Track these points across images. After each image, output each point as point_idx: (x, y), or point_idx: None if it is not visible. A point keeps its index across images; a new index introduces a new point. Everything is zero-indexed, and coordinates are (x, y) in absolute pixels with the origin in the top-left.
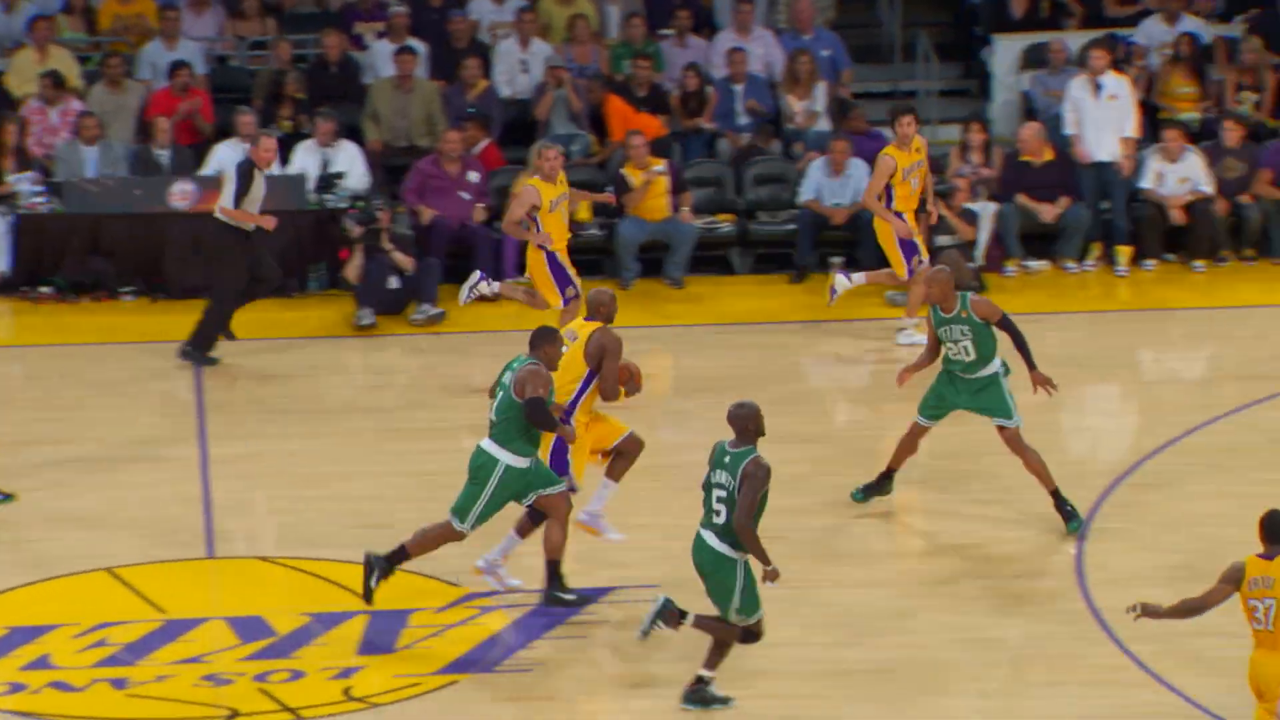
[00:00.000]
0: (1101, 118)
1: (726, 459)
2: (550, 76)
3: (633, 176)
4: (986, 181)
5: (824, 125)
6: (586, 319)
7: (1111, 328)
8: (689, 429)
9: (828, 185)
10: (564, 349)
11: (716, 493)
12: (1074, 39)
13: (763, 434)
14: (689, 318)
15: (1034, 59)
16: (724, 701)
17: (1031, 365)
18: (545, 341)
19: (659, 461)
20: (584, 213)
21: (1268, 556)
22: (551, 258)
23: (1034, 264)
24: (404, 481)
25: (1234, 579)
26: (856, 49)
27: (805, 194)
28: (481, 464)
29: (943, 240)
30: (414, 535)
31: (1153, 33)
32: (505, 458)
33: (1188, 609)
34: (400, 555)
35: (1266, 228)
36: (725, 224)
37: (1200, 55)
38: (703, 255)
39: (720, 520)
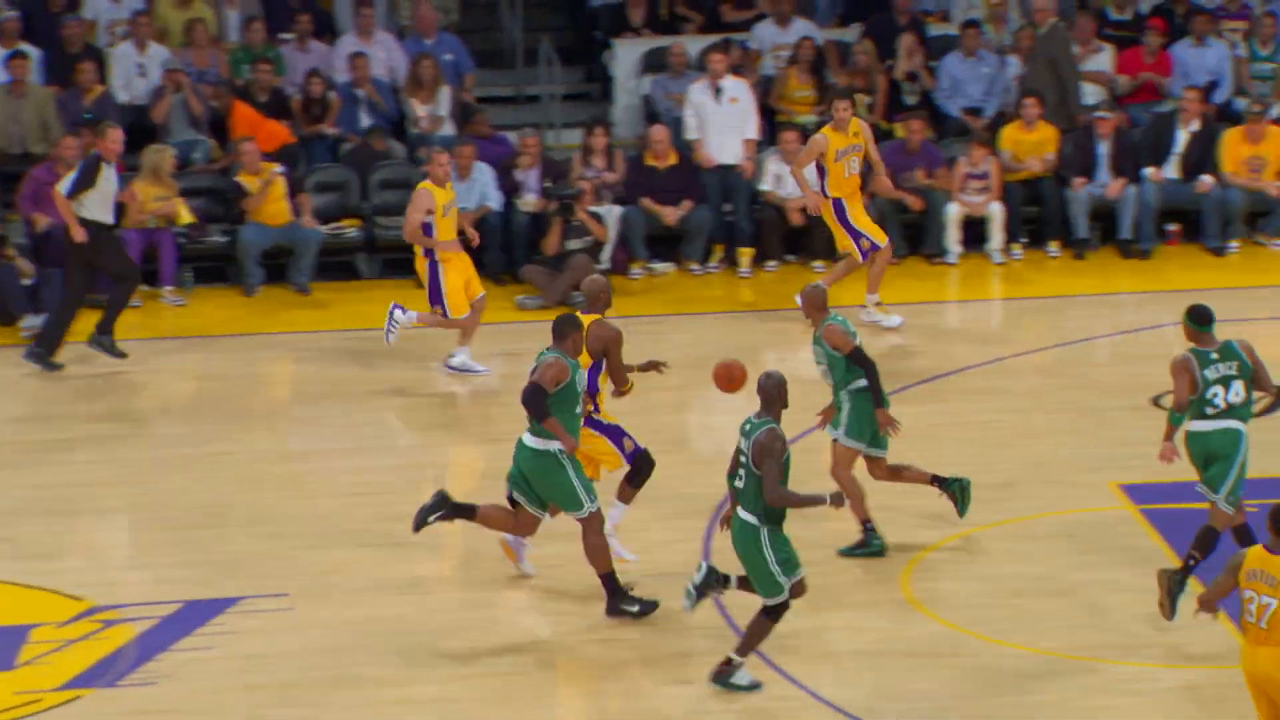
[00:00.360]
0: (723, 121)
1: (747, 427)
2: (168, 80)
3: (248, 182)
4: (611, 185)
5: (448, 130)
6: (585, 311)
7: (736, 328)
8: (318, 436)
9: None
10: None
11: (740, 458)
12: (693, 43)
13: (786, 405)
14: (315, 324)
15: (654, 63)
16: (750, 688)
17: (879, 403)
18: (570, 329)
19: (294, 469)
20: (186, 216)
21: (1273, 550)
22: (431, 266)
23: (659, 266)
24: (25, 494)
25: (1234, 568)
26: (479, 53)
27: None
28: (544, 465)
29: (573, 244)
30: (586, 553)
31: (765, 36)
32: (554, 446)
33: (1202, 599)
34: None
35: (883, 227)
36: (351, 229)
37: (816, 59)
38: (329, 261)
39: (740, 485)
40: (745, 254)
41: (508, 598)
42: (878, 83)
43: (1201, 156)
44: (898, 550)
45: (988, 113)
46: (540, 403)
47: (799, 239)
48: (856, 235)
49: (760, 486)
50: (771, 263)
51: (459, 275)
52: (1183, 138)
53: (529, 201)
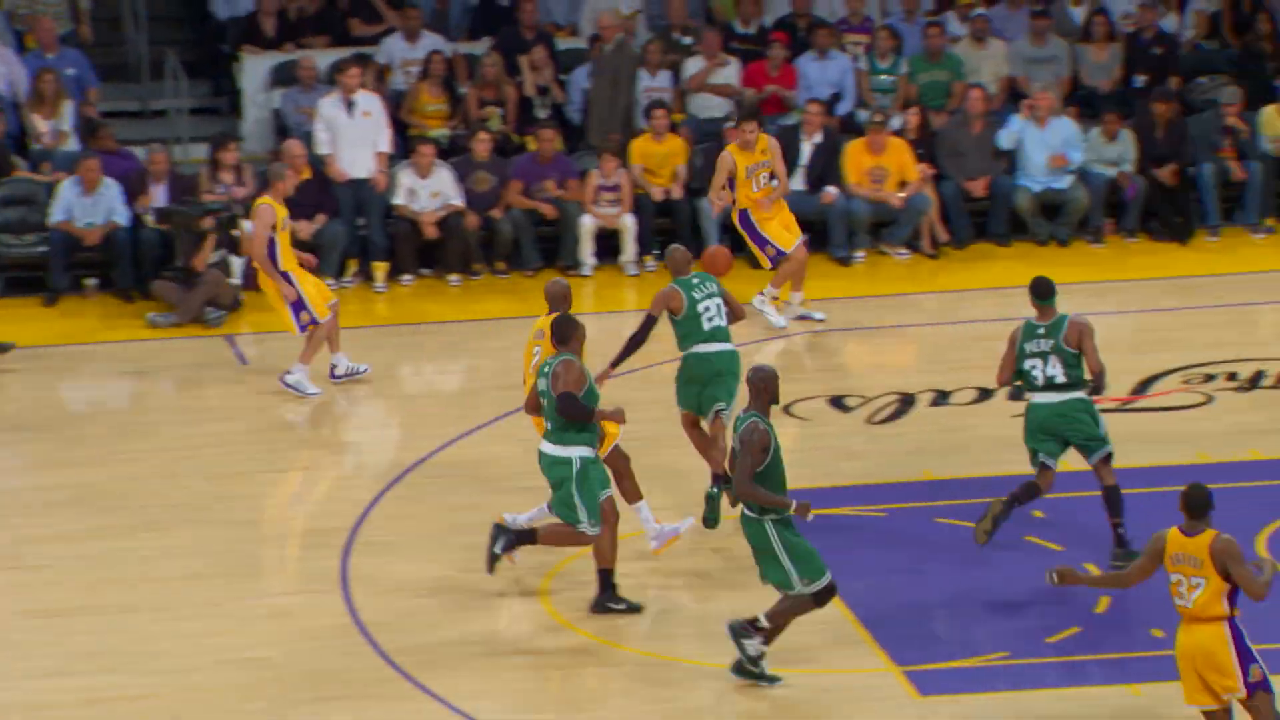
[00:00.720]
0: (355, 135)
1: (738, 424)
2: None
3: None
4: (241, 200)
5: (73, 145)
6: (550, 313)
7: (372, 342)
8: None
9: (79, 205)
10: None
11: (732, 456)
12: (322, 57)
13: (776, 401)
14: None
15: (284, 77)
16: (771, 680)
17: (614, 363)
18: (571, 330)
19: None
20: None
21: (1188, 533)
22: (286, 277)
23: None
24: None
25: (1155, 553)
26: (103, 67)
27: (56, 215)
28: (559, 472)
29: (214, 258)
30: (546, 526)
31: (395, 51)
32: (575, 453)
33: (1114, 581)
34: (528, 537)
35: (517, 239)
36: None
37: (447, 73)
38: None
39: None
40: (380, 268)
41: (138, 621)
42: (508, 95)
43: (825, 168)
44: (540, 562)
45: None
46: (578, 405)
47: (433, 252)
48: (763, 243)
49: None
50: (407, 276)
51: (310, 282)
52: (807, 150)
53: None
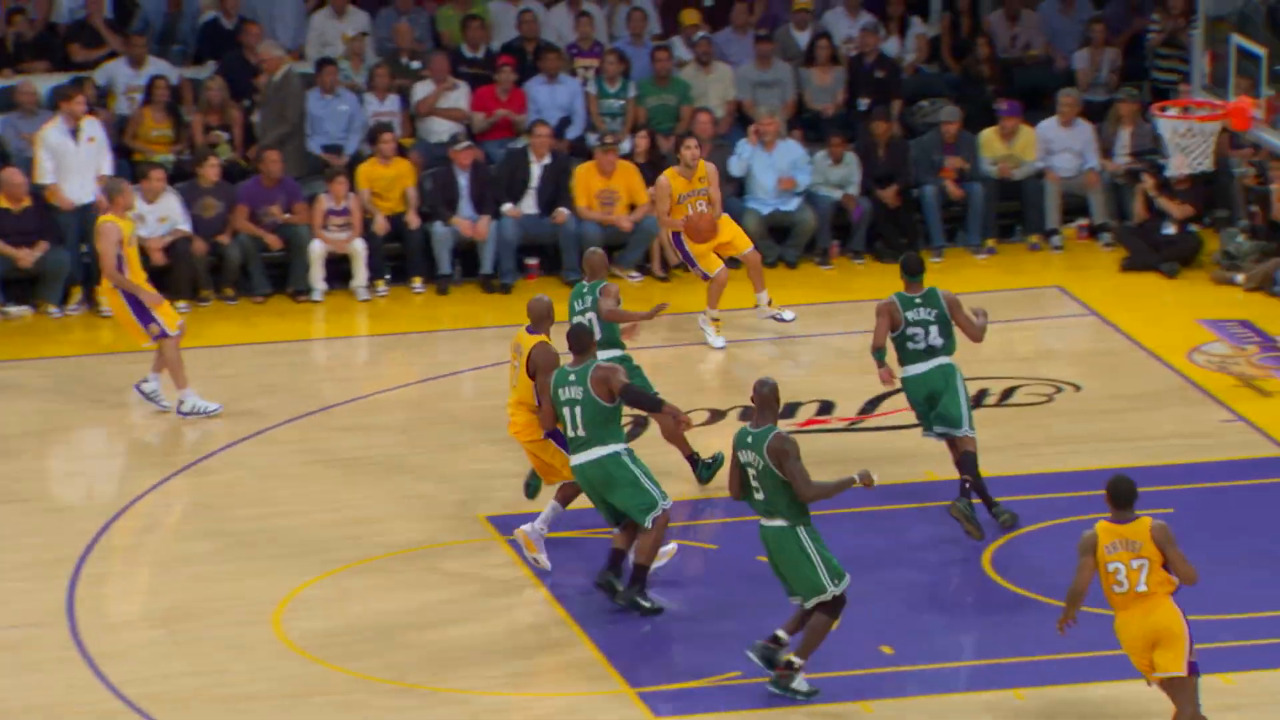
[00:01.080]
0: (81, 161)
1: (749, 439)
2: None
3: None
4: None
5: None
6: (530, 331)
7: (98, 369)
8: None
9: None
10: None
11: (750, 471)
12: (43, 81)
13: (780, 411)
14: None
15: (3, 103)
16: (808, 694)
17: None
18: (589, 339)
19: None
20: None
21: (1120, 521)
22: (130, 297)
23: (15, 310)
24: None
25: (1089, 549)
26: None
27: None
28: (606, 469)
29: None
30: (633, 545)
31: (118, 76)
32: (616, 449)
33: (1073, 595)
34: (619, 558)
35: (245, 265)
36: None
37: (173, 97)
38: None
39: (760, 497)
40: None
41: None
42: (234, 120)
43: (556, 191)
44: (276, 585)
45: (348, 150)
46: (645, 395)
47: (161, 278)
48: (692, 263)
49: (782, 490)
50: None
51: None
52: (537, 172)
53: None
